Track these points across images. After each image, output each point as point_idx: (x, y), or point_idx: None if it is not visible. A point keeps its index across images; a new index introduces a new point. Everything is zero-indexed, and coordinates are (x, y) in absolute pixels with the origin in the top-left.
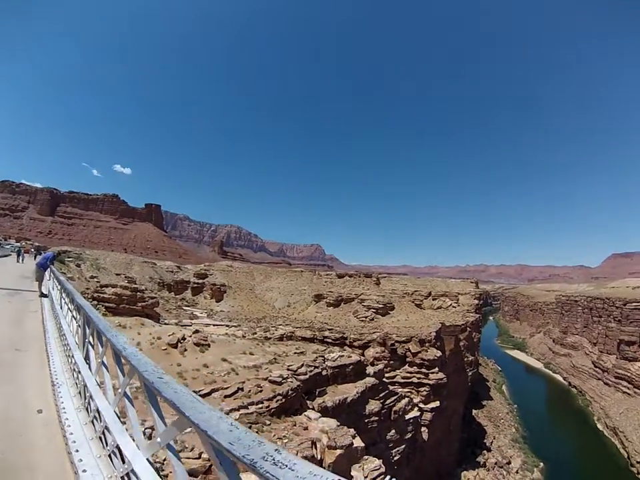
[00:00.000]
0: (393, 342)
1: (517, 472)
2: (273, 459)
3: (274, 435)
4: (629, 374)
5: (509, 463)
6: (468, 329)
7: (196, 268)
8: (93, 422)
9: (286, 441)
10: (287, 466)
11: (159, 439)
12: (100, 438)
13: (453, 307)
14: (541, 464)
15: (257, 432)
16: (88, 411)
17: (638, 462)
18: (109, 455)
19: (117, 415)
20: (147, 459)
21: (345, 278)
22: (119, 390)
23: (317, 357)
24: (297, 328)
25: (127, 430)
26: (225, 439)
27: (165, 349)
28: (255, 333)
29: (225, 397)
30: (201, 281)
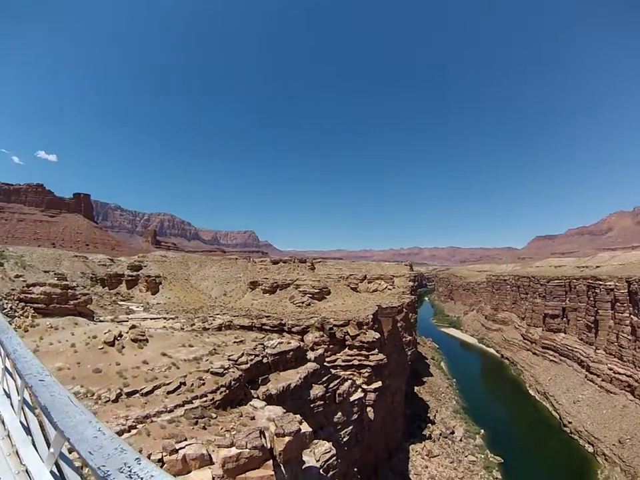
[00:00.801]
0: (331, 326)
1: (460, 440)
2: (130, 471)
3: (221, 428)
4: (554, 344)
5: (453, 432)
6: (404, 310)
7: (129, 260)
8: (9, 436)
9: (234, 432)
10: (142, 479)
11: (51, 449)
12: (16, 452)
13: (389, 289)
14: (482, 431)
15: (203, 426)
16: (4, 425)
17: (570, 422)
18: (26, 470)
19: (22, 425)
20: (51, 472)
21: (279, 264)
22: (18, 398)
23: (256, 345)
24: (234, 317)
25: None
26: (86, 447)
27: (102, 348)
28: (193, 324)
29: (168, 393)
30: (135, 274)
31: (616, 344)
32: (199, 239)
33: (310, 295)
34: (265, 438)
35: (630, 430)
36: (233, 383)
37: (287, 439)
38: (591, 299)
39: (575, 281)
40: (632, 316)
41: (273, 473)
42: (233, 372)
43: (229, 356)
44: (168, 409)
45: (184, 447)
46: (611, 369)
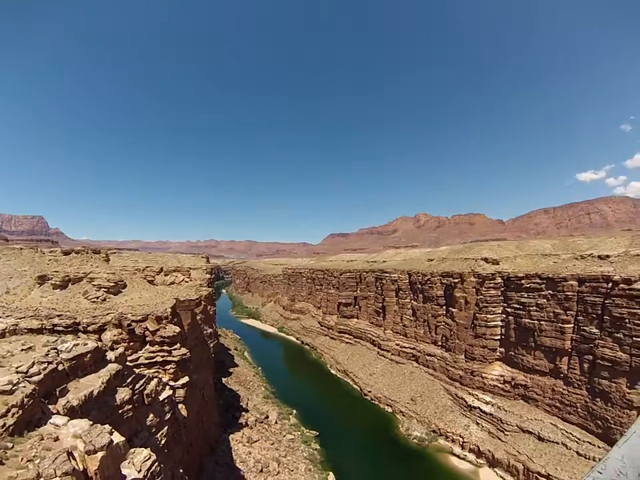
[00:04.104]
0: (130, 322)
1: (276, 422)
2: None
3: (22, 459)
4: (348, 328)
5: (267, 417)
6: (203, 302)
7: None
8: None
9: (38, 460)
10: None
11: None
12: None
13: (186, 281)
14: (294, 411)
15: (0, 461)
16: None
17: (369, 391)
18: None
19: None
20: None
21: (71, 255)
22: None
23: (48, 351)
24: (20, 319)
25: None
26: None
27: None
28: None
29: None
30: None
31: (401, 324)
32: None
33: (105, 289)
34: (74, 459)
35: (418, 390)
36: (26, 400)
37: (99, 454)
38: (379, 288)
39: (365, 273)
40: (412, 301)
41: None
42: (24, 387)
43: (17, 368)
44: None
45: None
46: (398, 345)
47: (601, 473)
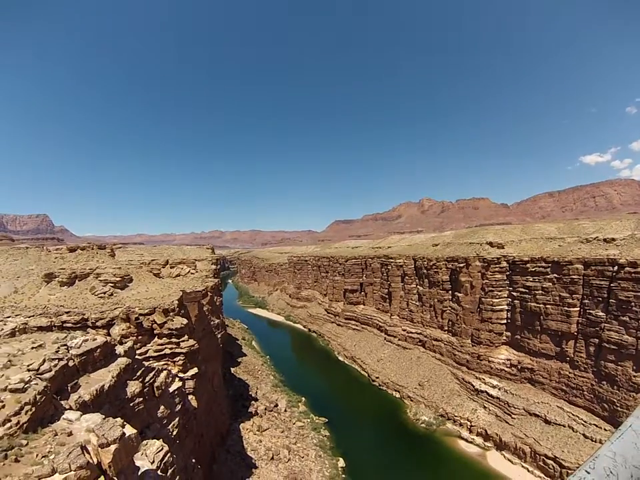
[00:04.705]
0: (137, 315)
1: (285, 411)
2: None
3: (37, 455)
4: (355, 314)
5: (277, 405)
6: (209, 293)
7: None
8: None
9: (52, 456)
10: None
11: None
12: None
13: (192, 273)
14: (303, 398)
15: (16, 459)
16: None
17: (377, 377)
18: None
19: None
20: None
21: (77, 251)
22: None
23: (58, 347)
24: (29, 317)
25: None
26: None
27: None
28: None
29: None
30: None
31: (407, 310)
32: None
33: (112, 284)
34: (88, 453)
35: (426, 374)
36: (38, 397)
37: (112, 447)
38: (384, 274)
39: (370, 259)
40: (418, 286)
41: None
42: (36, 384)
43: (29, 366)
44: None
45: None
46: (404, 330)
47: (588, 473)
